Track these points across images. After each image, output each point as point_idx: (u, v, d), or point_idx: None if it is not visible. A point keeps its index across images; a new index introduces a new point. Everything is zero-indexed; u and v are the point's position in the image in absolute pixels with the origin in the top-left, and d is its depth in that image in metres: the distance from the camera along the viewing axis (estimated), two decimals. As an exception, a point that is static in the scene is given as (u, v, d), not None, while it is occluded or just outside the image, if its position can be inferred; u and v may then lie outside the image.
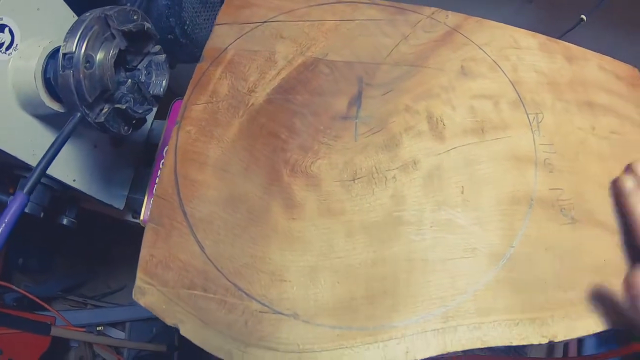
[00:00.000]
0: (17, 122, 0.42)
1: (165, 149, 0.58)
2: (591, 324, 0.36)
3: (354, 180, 0.38)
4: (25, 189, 0.33)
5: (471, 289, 0.35)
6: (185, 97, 0.42)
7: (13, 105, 0.42)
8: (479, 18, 0.45)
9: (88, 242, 1.11)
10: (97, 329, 0.86)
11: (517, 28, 0.45)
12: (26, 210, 0.47)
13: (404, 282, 0.35)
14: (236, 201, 0.38)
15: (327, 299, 0.35)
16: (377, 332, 0.34)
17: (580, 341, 0.79)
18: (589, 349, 0.80)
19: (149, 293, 0.36)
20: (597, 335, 0.85)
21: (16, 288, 0.75)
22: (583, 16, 0.48)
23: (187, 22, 0.55)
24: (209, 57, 0.44)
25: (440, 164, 0.39)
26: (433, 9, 0.45)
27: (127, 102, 0.41)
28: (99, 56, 0.37)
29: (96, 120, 0.38)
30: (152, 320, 0.98)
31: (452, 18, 0.45)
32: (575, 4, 0.50)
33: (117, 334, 0.94)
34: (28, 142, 0.43)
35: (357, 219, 0.36)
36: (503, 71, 0.42)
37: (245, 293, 0.35)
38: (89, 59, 0.36)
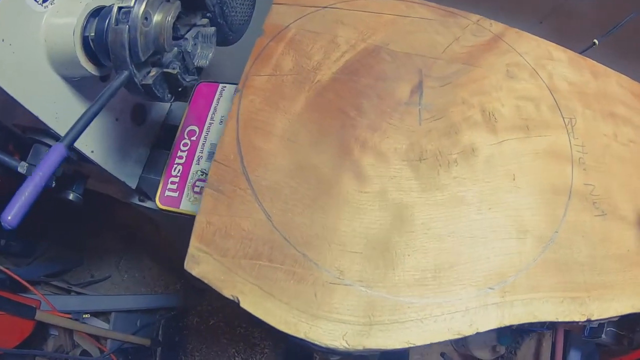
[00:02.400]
0: (45, 81, 0.40)
1: (187, 128, 0.56)
2: (620, 306, 0.40)
3: (420, 160, 0.39)
4: (66, 141, 0.31)
5: (524, 267, 0.38)
6: (246, 68, 0.42)
7: (43, 62, 0.39)
8: (517, 29, 0.50)
9: (75, 230, 1.05)
10: (84, 316, 0.79)
11: (549, 42, 0.50)
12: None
13: (467, 257, 0.37)
14: (306, 171, 0.37)
15: (398, 271, 0.35)
16: (444, 305, 0.35)
17: (564, 356, 0.85)
18: (574, 363, 0.86)
19: (204, 262, 0.35)
20: (581, 352, 0.91)
21: (0, 267, 0.68)
22: (596, 40, 0.55)
23: (226, 3, 0.55)
24: (269, 32, 0.44)
25: (494, 152, 0.41)
26: (478, 16, 0.49)
27: (174, 68, 0.39)
28: (157, 17, 0.36)
29: (143, 82, 0.36)
30: (138, 312, 0.93)
31: (495, 26, 0.49)
32: (582, 28, 0.56)
33: (101, 325, 0.87)
34: (52, 104, 0.41)
35: (425, 197, 0.38)
36: (542, 78, 0.47)
37: (316, 264, 0.35)
38: (147, 16, 0.34)
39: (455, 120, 0.42)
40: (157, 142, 0.59)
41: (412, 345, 0.34)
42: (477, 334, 1.02)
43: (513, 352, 1.03)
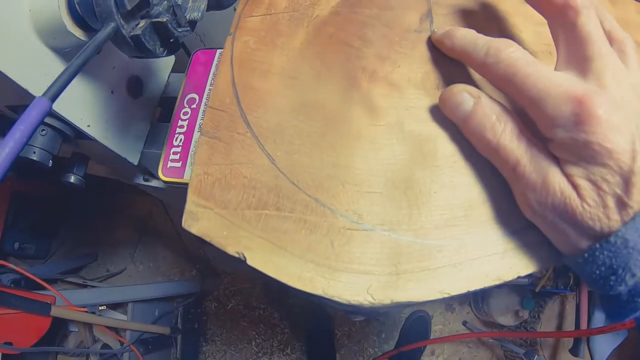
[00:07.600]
0: (32, 51, 0.37)
1: (187, 97, 0.52)
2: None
3: (438, 88, 0.35)
4: (48, 95, 0.27)
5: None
6: (238, 10, 0.38)
7: (29, 32, 0.37)
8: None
9: (87, 225, 1.04)
10: (100, 308, 0.77)
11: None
12: (35, 157, 0.41)
13: (501, 190, 0.32)
14: (310, 108, 0.33)
15: (424, 211, 0.31)
16: (480, 247, 0.30)
17: (589, 317, 0.80)
18: (599, 323, 0.81)
19: (204, 218, 0.30)
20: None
21: (13, 267, 0.68)
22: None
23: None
24: (260, -28, 0.40)
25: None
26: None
27: (164, 18, 0.36)
28: None
29: (132, 34, 0.33)
30: (155, 302, 0.91)
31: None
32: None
33: (119, 317, 0.86)
34: (41, 75, 0.38)
35: (447, 126, 0.33)
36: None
37: (330, 208, 0.30)
38: None
39: (472, 46, 0.37)
40: (156, 117, 0.55)
41: (447, 296, 0.29)
42: (499, 299, 0.97)
43: (536, 316, 0.98)
